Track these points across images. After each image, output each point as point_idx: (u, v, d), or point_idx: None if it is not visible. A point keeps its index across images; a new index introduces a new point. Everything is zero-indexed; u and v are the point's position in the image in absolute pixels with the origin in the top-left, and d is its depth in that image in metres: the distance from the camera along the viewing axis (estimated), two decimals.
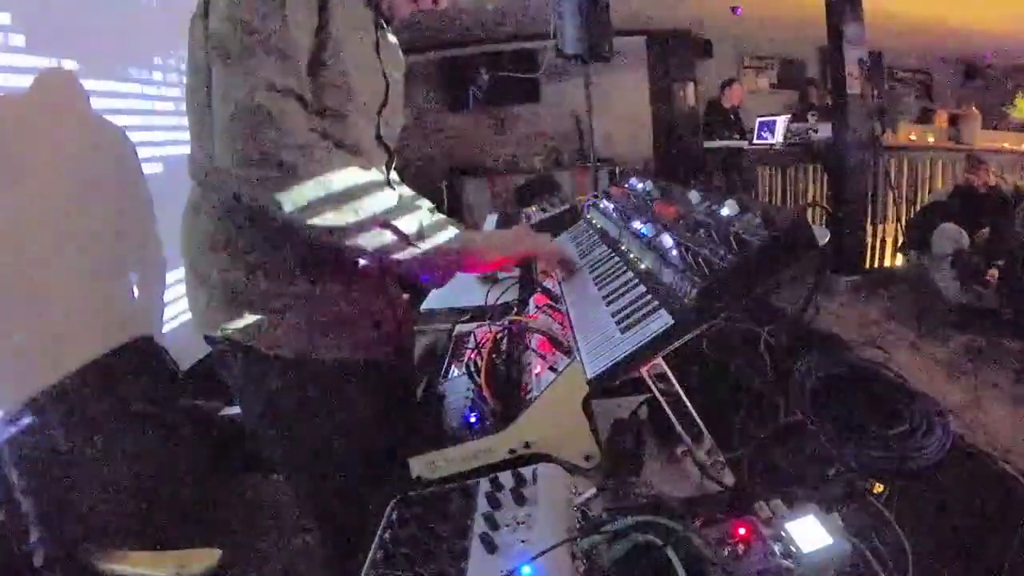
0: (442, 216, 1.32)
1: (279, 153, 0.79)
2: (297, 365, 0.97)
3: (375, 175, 0.89)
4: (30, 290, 1.43)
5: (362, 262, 1.03)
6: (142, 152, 2.02)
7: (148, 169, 2.06)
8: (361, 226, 0.85)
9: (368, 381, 1.04)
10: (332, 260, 0.98)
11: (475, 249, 0.95)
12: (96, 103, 1.83)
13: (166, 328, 2.12)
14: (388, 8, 1.04)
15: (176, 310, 2.17)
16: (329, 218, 0.83)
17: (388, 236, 0.87)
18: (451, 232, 0.93)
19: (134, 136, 1.97)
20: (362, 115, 0.99)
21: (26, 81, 1.60)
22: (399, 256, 0.89)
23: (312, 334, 0.97)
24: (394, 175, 1.30)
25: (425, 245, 0.90)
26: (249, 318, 0.95)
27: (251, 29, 0.81)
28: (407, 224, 0.88)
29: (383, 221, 0.86)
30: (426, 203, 1.32)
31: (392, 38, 1.10)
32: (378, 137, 1.05)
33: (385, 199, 0.88)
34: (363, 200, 0.85)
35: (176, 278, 2.13)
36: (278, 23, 0.82)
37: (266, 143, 0.78)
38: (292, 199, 0.81)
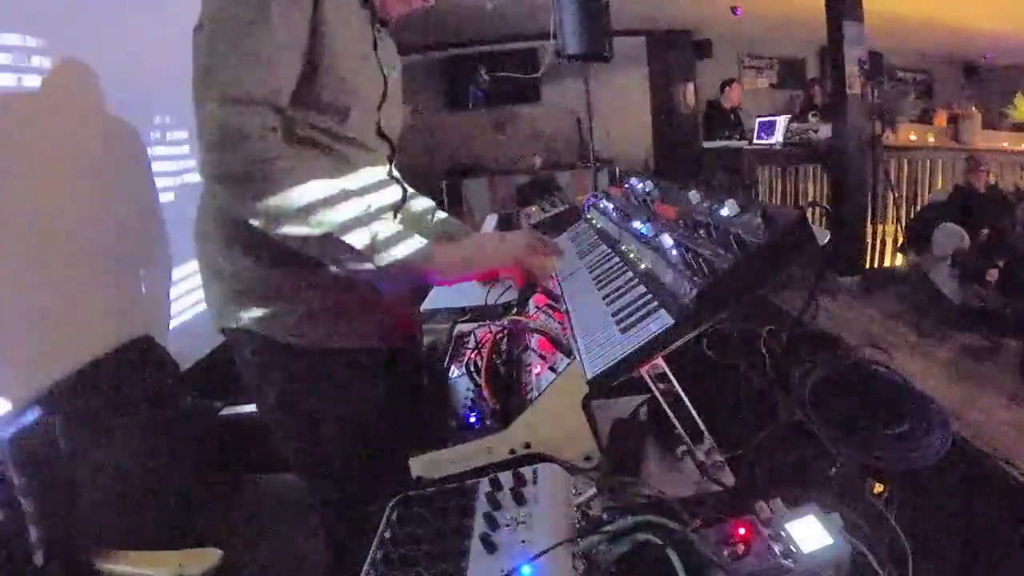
0: (443, 216, 1.33)
1: (236, 169, 0.81)
2: (311, 353, 0.99)
3: (339, 185, 0.90)
4: (30, 289, 1.43)
5: None
6: (149, 148, 2.02)
7: (156, 167, 2.06)
8: (314, 238, 0.86)
9: (380, 368, 1.07)
10: None
11: (434, 267, 0.92)
12: (103, 99, 1.84)
13: (167, 328, 2.12)
14: (381, 7, 1.06)
15: (177, 309, 2.17)
16: (285, 230, 0.85)
17: (339, 248, 0.87)
18: (412, 245, 0.91)
19: (142, 135, 1.98)
20: (363, 111, 1.02)
21: (34, 75, 1.60)
22: (353, 267, 0.89)
23: (326, 322, 0.99)
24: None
25: (377, 259, 0.88)
26: (264, 308, 0.98)
27: (230, 31, 0.83)
28: (358, 238, 0.87)
29: (334, 235, 0.86)
30: (425, 203, 1.32)
31: (388, 40, 1.13)
32: (379, 132, 1.08)
33: (342, 211, 0.87)
34: (321, 213, 0.85)
35: (178, 276, 2.13)
36: (259, 24, 0.83)
37: (228, 159, 0.81)
38: (254, 210, 0.84)
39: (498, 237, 1.08)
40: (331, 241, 0.86)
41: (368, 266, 0.88)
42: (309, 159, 0.94)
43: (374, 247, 0.88)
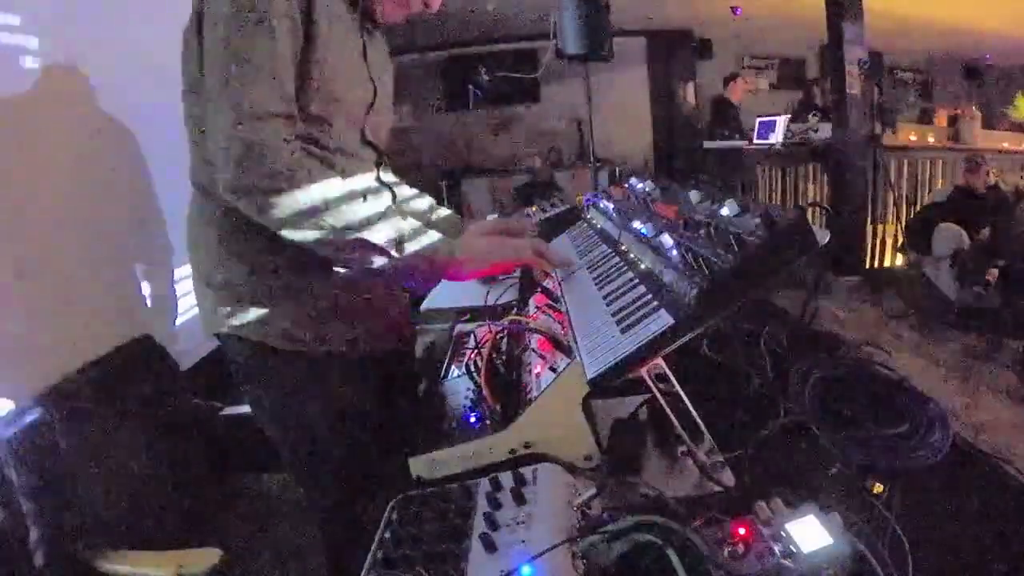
0: (445, 213, 1.33)
1: (262, 182, 0.84)
2: (303, 357, 1.00)
3: (356, 185, 0.92)
4: (30, 289, 1.43)
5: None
6: (150, 149, 2.02)
7: (156, 167, 2.06)
8: (337, 238, 0.88)
9: (372, 371, 1.07)
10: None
11: (454, 260, 0.96)
12: (103, 101, 1.83)
13: (167, 327, 2.12)
14: (380, 15, 1.06)
15: (177, 309, 2.17)
16: (309, 234, 0.87)
17: (362, 246, 0.90)
18: (432, 239, 0.95)
19: (143, 136, 1.97)
20: (348, 120, 1.02)
21: (33, 77, 1.60)
22: (376, 265, 0.91)
23: (317, 326, 1.00)
24: (390, 175, 1.31)
25: (402, 253, 0.92)
26: (254, 314, 0.98)
27: (238, 51, 0.84)
28: (382, 233, 0.90)
29: (356, 233, 0.89)
30: (425, 201, 1.32)
31: (379, 42, 1.12)
32: (364, 139, 1.07)
33: (364, 209, 0.90)
34: (341, 213, 0.88)
35: (178, 276, 2.13)
36: (266, 42, 0.85)
37: (250, 173, 0.83)
38: (277, 218, 0.86)
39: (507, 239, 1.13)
40: (355, 239, 0.88)
41: (392, 260, 0.90)
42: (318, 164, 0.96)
43: (400, 240, 0.91)
